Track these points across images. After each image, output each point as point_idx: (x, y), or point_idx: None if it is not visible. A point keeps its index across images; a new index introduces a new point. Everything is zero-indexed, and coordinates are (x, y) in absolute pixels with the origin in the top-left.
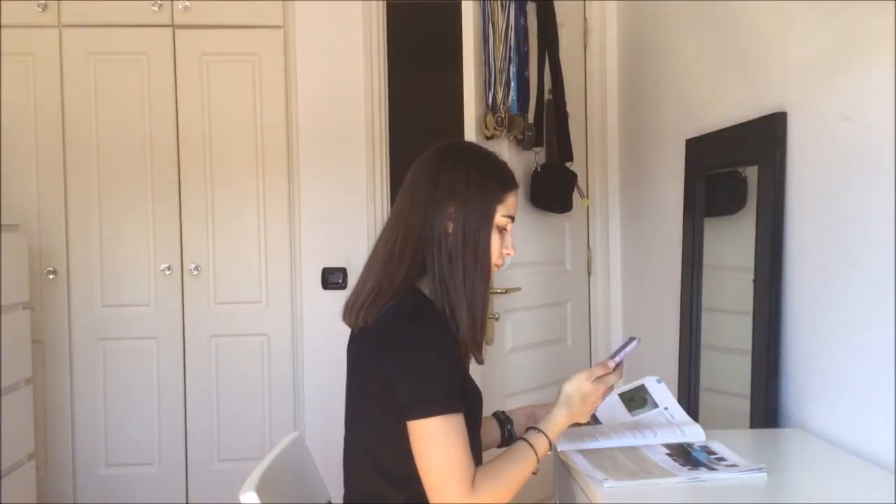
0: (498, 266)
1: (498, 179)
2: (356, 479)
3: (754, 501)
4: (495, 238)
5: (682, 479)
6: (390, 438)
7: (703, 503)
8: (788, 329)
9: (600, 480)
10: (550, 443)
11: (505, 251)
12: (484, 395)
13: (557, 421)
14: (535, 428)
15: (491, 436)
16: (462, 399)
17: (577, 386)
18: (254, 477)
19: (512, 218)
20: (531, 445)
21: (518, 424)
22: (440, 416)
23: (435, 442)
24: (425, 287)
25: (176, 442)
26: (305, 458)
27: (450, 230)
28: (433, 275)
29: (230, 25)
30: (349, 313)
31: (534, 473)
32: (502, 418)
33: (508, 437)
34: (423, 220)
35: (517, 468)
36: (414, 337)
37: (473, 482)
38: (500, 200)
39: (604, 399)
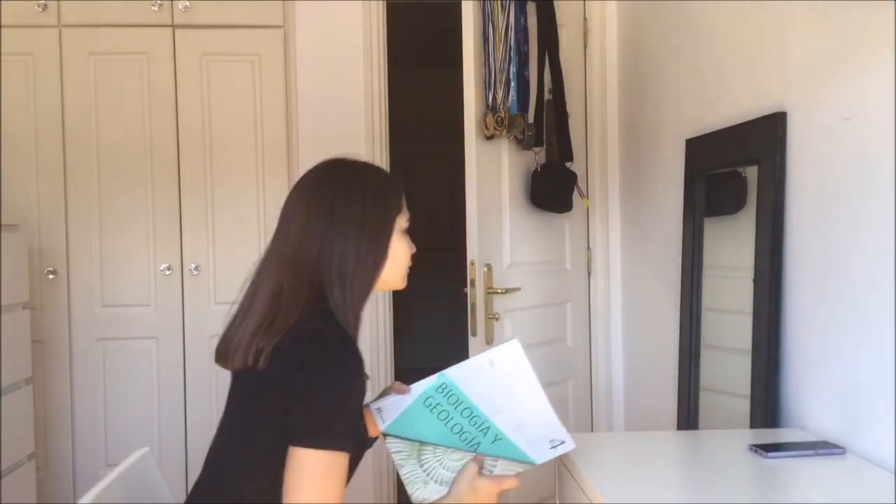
0: (408, 267)
1: (391, 189)
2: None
3: (754, 501)
4: (403, 243)
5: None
6: (267, 467)
7: (704, 503)
8: (788, 329)
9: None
10: None
11: (412, 251)
12: None
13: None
14: None
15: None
16: (353, 442)
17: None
18: None
19: (408, 217)
20: None
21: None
22: (328, 451)
23: (316, 475)
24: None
25: (176, 441)
26: None
27: (350, 253)
28: (333, 300)
29: (230, 25)
30: (228, 356)
31: None
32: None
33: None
34: (319, 250)
35: None
36: (330, 367)
37: None
38: (399, 209)
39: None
